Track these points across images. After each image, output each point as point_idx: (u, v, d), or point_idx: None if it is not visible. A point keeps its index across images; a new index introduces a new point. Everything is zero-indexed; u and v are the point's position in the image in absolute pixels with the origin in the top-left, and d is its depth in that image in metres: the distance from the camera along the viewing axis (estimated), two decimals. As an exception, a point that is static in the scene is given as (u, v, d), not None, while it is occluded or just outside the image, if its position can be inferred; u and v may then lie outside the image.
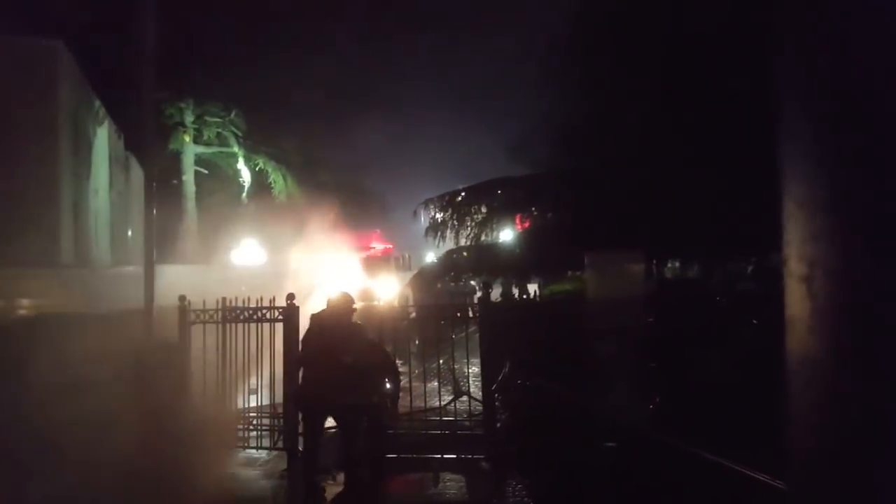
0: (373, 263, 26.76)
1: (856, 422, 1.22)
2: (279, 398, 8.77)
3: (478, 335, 8.63)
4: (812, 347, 1.27)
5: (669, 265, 16.18)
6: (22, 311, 18.50)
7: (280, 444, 8.62)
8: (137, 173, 35.74)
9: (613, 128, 12.65)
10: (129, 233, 36.38)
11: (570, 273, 14.92)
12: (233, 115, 34.60)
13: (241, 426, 8.97)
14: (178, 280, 23.07)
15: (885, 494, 1.21)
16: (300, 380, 7.60)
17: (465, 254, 14.11)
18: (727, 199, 9.99)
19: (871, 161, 1.21)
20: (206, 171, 36.61)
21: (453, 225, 14.32)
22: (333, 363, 7.06)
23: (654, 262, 12.92)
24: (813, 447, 1.30)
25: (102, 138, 31.25)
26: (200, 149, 35.22)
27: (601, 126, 13.21)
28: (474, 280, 16.83)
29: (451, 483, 7.66)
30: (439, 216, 14.47)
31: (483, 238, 14.46)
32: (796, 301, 1.29)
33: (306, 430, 7.58)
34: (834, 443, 1.26)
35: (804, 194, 1.28)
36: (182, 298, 8.91)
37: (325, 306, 7.59)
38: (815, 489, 1.29)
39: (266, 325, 8.68)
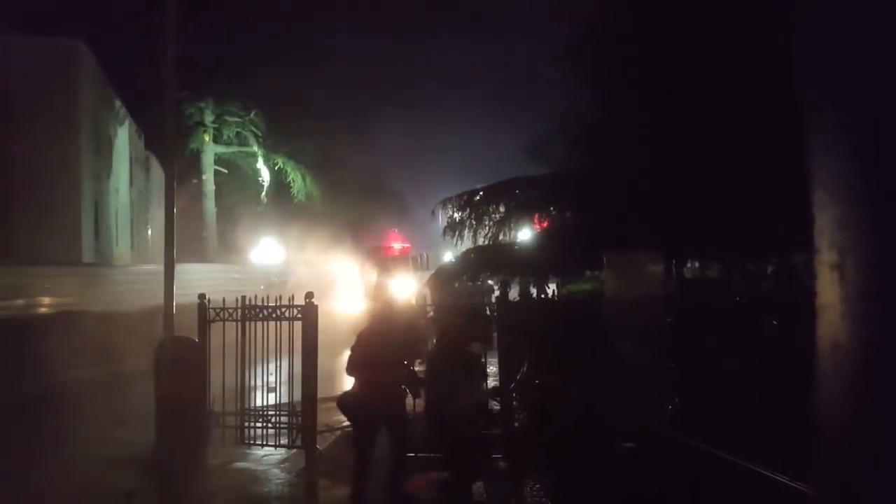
0: (390, 262, 26.77)
1: (888, 408, 1.23)
2: (298, 396, 8.80)
3: (496, 335, 8.62)
4: (843, 333, 1.29)
5: (689, 265, 16.09)
6: (44, 309, 18.71)
7: (298, 443, 8.65)
8: (157, 172, 36.07)
9: (632, 127, 12.59)
10: (150, 231, 36.71)
11: (588, 273, 14.87)
12: (252, 114, 34.80)
13: (260, 424, 9.02)
14: (198, 278, 23.31)
15: None
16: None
17: (483, 253, 14.09)
18: (747, 200, 9.93)
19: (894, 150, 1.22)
20: (225, 171, 36.83)
21: (471, 224, 14.30)
22: (382, 367, 6.92)
23: (674, 262, 12.85)
24: (842, 435, 1.31)
25: (123, 138, 31.56)
26: (220, 148, 35.45)
27: (620, 125, 13.15)
28: (492, 280, 16.81)
29: (469, 482, 7.66)
30: (457, 216, 14.45)
31: (501, 238, 14.43)
32: (827, 288, 1.31)
33: (358, 438, 7.27)
34: (864, 430, 1.27)
35: (834, 184, 1.31)
36: (202, 297, 8.97)
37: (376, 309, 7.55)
38: (845, 478, 1.30)
39: (285, 324, 8.71)
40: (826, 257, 1.32)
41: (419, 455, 7.71)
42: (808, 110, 1.36)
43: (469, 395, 6.66)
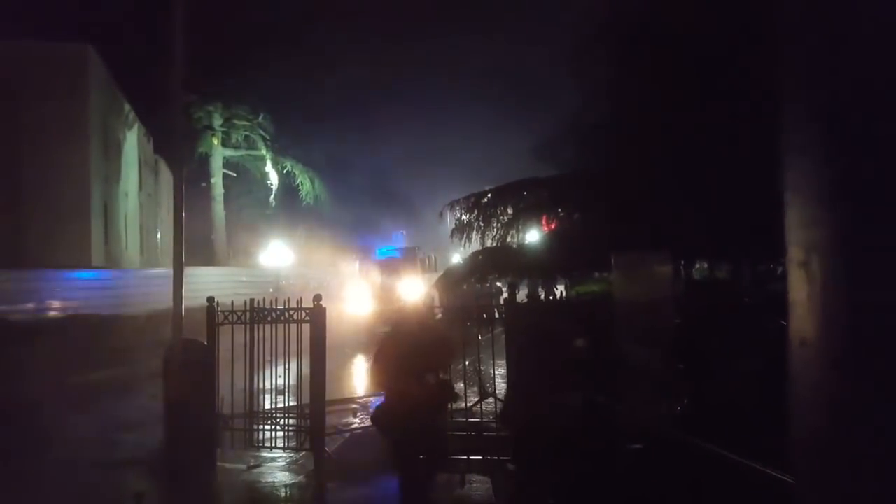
0: (398, 264, 26.73)
1: (852, 403, 1.27)
2: (306, 399, 8.82)
3: (504, 336, 8.61)
4: (809, 330, 1.33)
5: (697, 266, 16.03)
6: (54, 312, 18.81)
7: (307, 445, 8.67)
8: (166, 176, 36.26)
9: (642, 128, 12.57)
10: (159, 235, 36.85)
11: (596, 274, 14.83)
12: (261, 118, 34.91)
13: (268, 426, 9.03)
14: (207, 281, 23.36)
15: (886, 470, 1.24)
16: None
17: (491, 255, 14.08)
18: (757, 200, 9.90)
19: (859, 152, 1.26)
20: (234, 174, 36.95)
21: (479, 226, 14.26)
22: (414, 378, 6.28)
23: (682, 263, 12.81)
24: (811, 430, 1.35)
25: (132, 142, 31.72)
26: (229, 152, 35.57)
27: (628, 126, 13.13)
28: (500, 281, 16.79)
29: (478, 484, 7.67)
30: (465, 217, 14.42)
31: (509, 239, 14.41)
32: (796, 285, 1.36)
33: (398, 451, 6.57)
34: (831, 424, 1.31)
35: (800, 184, 1.35)
36: (210, 299, 9.00)
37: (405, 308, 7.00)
38: (816, 471, 1.33)
39: (293, 326, 8.73)
40: (794, 255, 1.36)
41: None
42: (782, 109, 1.41)
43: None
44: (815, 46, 1.32)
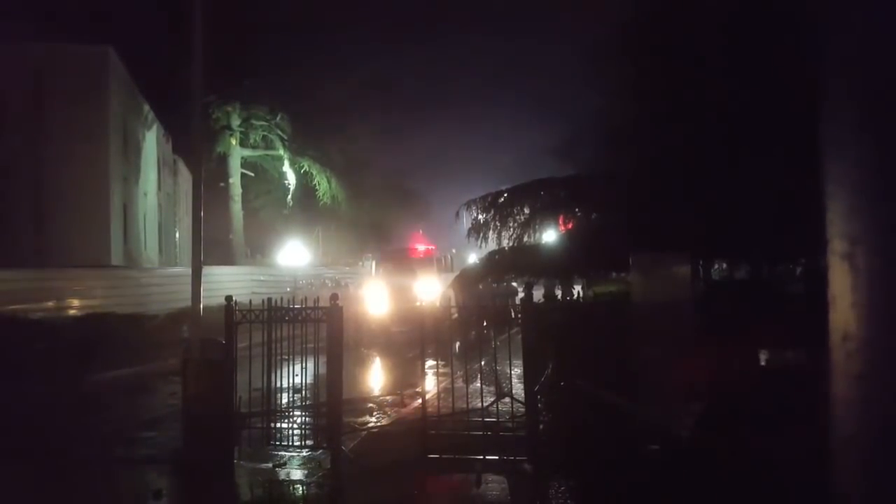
0: (415, 264, 26.62)
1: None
2: (323, 397, 8.85)
3: (520, 336, 8.60)
4: (853, 323, 1.31)
5: (716, 267, 15.92)
6: (73, 311, 18.98)
7: (324, 444, 8.70)
8: (185, 176, 36.46)
9: (661, 128, 12.51)
10: (177, 234, 37.08)
11: (614, 274, 14.77)
12: (278, 118, 35.03)
13: (286, 425, 9.07)
14: (225, 280, 23.45)
15: None
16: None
17: (507, 255, 14.06)
18: (777, 200, 9.83)
19: None
20: (252, 174, 37.12)
21: (496, 226, 14.23)
22: None
23: (701, 263, 12.73)
24: (855, 426, 1.33)
25: (151, 142, 31.92)
26: (247, 152, 35.73)
27: (649, 126, 13.06)
28: (517, 281, 16.75)
29: (494, 484, 7.66)
30: (481, 217, 14.39)
31: (525, 239, 14.37)
32: (839, 278, 1.34)
33: None
34: (876, 421, 1.29)
35: (843, 174, 1.34)
36: (228, 299, 9.05)
37: None
38: (860, 471, 1.31)
39: (310, 326, 8.76)
40: (836, 247, 1.34)
41: None
42: (824, 98, 1.39)
43: None
44: (863, 29, 1.32)
